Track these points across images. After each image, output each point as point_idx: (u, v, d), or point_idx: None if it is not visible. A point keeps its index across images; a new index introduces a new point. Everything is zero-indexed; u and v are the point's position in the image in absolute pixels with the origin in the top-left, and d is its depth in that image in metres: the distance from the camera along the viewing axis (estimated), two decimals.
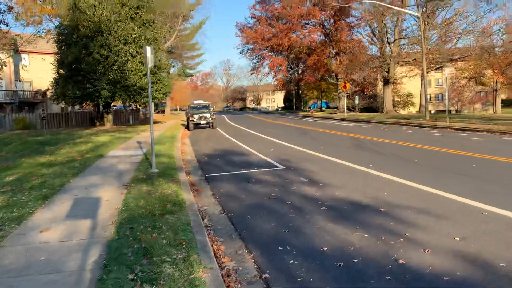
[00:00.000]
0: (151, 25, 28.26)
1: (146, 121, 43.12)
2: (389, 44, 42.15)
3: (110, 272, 3.96)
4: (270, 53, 58.87)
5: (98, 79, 25.35)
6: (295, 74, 67.19)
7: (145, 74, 27.06)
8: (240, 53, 69.66)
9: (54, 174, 9.53)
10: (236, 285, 4.07)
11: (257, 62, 62.45)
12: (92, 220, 5.90)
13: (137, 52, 26.53)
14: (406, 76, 45.15)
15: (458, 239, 4.96)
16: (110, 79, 25.45)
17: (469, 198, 6.76)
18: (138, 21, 27.04)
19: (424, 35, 31.95)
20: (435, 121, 27.37)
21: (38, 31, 29.05)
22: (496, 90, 49.03)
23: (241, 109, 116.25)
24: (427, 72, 36.28)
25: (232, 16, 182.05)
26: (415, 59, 42.05)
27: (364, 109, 55.35)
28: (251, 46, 59.58)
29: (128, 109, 46.63)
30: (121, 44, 25.80)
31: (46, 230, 5.44)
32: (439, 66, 45.02)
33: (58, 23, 29.41)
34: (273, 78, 63.23)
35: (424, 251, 4.64)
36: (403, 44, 44.58)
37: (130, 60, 26.09)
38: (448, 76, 25.62)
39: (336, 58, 51.86)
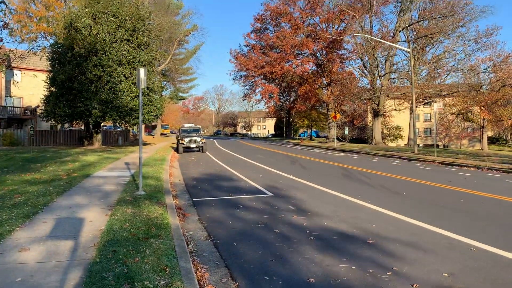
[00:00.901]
0: (146, 48, 28.43)
1: (135, 142, 42.89)
2: (379, 77, 42.94)
3: None
4: (262, 81, 59.57)
5: (89, 99, 25.26)
6: (287, 102, 67.88)
7: (137, 96, 27.05)
8: (233, 79, 70.55)
9: (38, 192, 9.33)
10: None
11: (250, 88, 63.11)
12: (74, 241, 5.73)
13: (130, 73, 26.59)
14: (396, 109, 45.88)
15: (446, 274, 4.90)
16: (102, 99, 25.38)
17: (457, 233, 6.74)
18: (133, 43, 27.21)
19: (414, 70, 32.68)
20: (423, 154, 27.61)
21: (32, 48, 29.05)
22: (483, 127, 49.91)
23: (232, 134, 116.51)
24: (416, 106, 36.89)
25: (226, 43, 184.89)
26: (404, 93, 42.87)
27: (353, 140, 55.84)
28: (244, 73, 60.29)
29: (118, 129, 46.44)
30: (115, 64, 25.86)
31: (24, 250, 5.27)
32: (428, 101, 45.92)
33: (53, 41, 29.47)
34: (265, 105, 63.76)
35: (412, 286, 4.56)
36: (393, 78, 45.53)
37: (123, 81, 26.11)
38: (437, 111, 26.04)
39: (327, 89, 52.57)
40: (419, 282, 4.67)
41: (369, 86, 44.95)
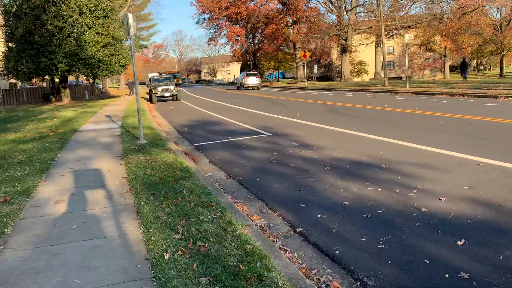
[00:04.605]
0: None
1: (102, 96, 41.67)
2: (346, 11, 42.65)
3: (154, 234, 3.96)
4: (227, 23, 57.88)
5: (53, 52, 24.01)
6: (252, 44, 66.70)
7: (103, 46, 25.97)
8: (196, 23, 68.24)
9: (37, 149, 9.12)
10: (275, 240, 4.20)
11: (215, 32, 61.34)
12: (104, 189, 5.78)
13: (93, 22, 25.30)
14: (363, 44, 46.08)
15: (466, 187, 5.33)
16: (67, 52, 24.19)
17: (461, 152, 7.22)
18: None
19: (380, 1, 32.62)
20: (394, 86, 28.35)
21: None
22: (445, 56, 51.18)
23: (197, 81, 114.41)
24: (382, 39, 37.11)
25: None
26: (371, 27, 42.98)
27: (319, 78, 56.16)
28: (208, 16, 58.29)
29: (81, 83, 44.78)
30: (76, 14, 24.45)
31: (61, 201, 5.30)
32: (392, 33, 46.31)
33: None
34: (231, 48, 62.46)
35: (440, 199, 4.96)
36: (360, 12, 45.36)
37: (86, 32, 24.83)
38: (407, 42, 26.45)
39: (293, 27, 51.88)
40: (445, 195, 5.08)
41: (336, 22, 44.68)
